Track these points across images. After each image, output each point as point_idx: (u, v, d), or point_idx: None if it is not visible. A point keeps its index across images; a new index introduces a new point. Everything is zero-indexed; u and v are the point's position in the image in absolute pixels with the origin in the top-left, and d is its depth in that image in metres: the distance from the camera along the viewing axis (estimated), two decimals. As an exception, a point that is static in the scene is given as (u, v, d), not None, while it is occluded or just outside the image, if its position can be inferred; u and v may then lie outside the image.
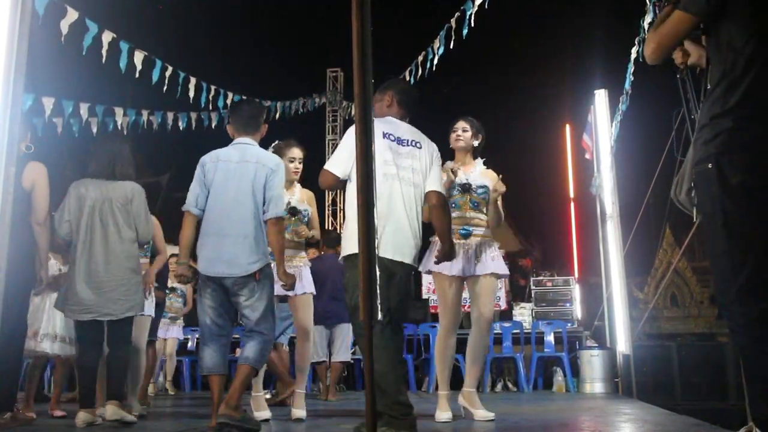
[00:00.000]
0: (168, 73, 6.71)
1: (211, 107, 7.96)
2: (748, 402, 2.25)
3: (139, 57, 6.19)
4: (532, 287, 8.41)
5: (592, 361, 6.61)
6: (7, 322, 3.59)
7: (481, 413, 3.84)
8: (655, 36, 2.35)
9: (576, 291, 8.45)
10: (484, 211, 4.09)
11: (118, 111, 7.45)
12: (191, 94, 7.20)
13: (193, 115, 8.54)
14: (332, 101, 13.85)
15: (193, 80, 7.21)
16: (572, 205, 11.69)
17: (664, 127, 6.10)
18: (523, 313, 8.24)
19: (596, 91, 7.07)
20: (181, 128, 8.42)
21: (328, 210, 13.99)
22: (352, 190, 3.14)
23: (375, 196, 1.60)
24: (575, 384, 7.00)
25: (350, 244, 3.07)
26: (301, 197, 4.28)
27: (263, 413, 3.96)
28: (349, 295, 3.05)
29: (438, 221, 3.37)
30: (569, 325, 7.79)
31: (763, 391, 2.14)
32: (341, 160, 3.16)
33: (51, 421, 4.28)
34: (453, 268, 3.89)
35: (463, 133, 4.13)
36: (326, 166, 3.21)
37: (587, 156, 7.41)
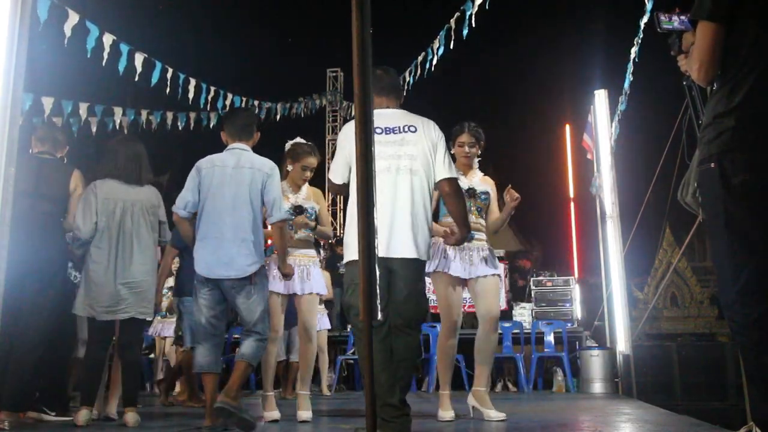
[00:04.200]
0: (169, 75, 6.72)
1: (210, 108, 7.98)
2: (748, 402, 2.25)
3: (139, 59, 6.20)
4: (532, 287, 8.41)
5: (592, 361, 6.61)
6: (30, 324, 3.70)
7: (493, 413, 3.81)
8: (692, 58, 2.31)
9: (576, 291, 8.44)
10: (484, 217, 4.14)
11: (117, 111, 7.46)
12: (191, 95, 7.21)
13: (192, 116, 8.54)
14: (332, 101, 13.83)
15: (192, 81, 7.22)
16: (572, 205, 11.71)
17: (664, 127, 6.11)
18: (523, 313, 8.23)
19: (596, 91, 7.07)
20: (180, 128, 8.43)
21: (328, 211, 14.01)
22: (351, 196, 3.09)
23: (375, 196, 1.59)
24: (575, 384, 7.00)
25: (351, 251, 2.99)
26: (307, 194, 4.22)
27: (273, 413, 3.97)
28: (348, 293, 3.02)
29: (453, 208, 3.27)
30: (569, 325, 7.79)
31: (763, 391, 2.14)
32: (336, 167, 3.18)
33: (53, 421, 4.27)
34: (454, 268, 3.89)
35: (470, 149, 4.12)
36: (328, 175, 3.23)
37: (589, 156, 7.41)
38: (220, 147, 3.71)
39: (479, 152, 4.18)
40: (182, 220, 3.62)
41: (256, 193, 3.55)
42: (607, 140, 6.85)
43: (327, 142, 13.86)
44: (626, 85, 6.18)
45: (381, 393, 2.81)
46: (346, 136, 3.17)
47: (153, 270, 4.02)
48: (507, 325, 7.59)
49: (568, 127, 11.66)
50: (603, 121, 6.90)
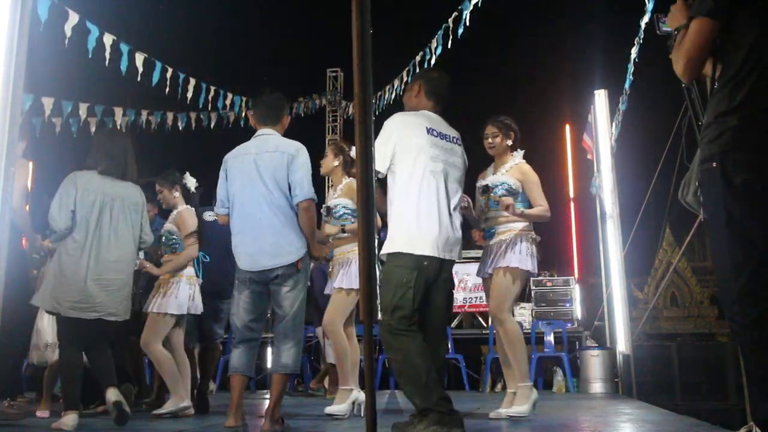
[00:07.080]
0: (169, 75, 6.72)
1: (210, 108, 7.98)
2: (748, 402, 2.25)
3: (139, 59, 6.20)
4: (532, 287, 8.38)
5: (592, 361, 6.61)
6: (6, 313, 3.65)
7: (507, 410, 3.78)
8: (681, 53, 2.29)
9: (576, 291, 8.43)
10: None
11: (117, 111, 7.46)
12: (190, 94, 7.21)
13: (193, 116, 8.55)
14: (332, 101, 13.84)
15: (192, 81, 7.22)
16: (572, 205, 11.69)
17: (664, 127, 6.12)
18: (523, 313, 8.22)
19: (596, 91, 7.07)
20: (180, 128, 8.44)
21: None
22: (397, 188, 3.07)
23: (374, 197, 1.59)
24: (575, 384, 6.99)
25: (395, 243, 3.01)
26: (345, 190, 4.27)
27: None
28: (392, 293, 2.95)
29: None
30: (569, 325, 7.78)
31: (763, 391, 2.14)
32: (381, 156, 3.07)
33: (43, 421, 4.25)
34: (481, 271, 3.97)
35: (493, 139, 4.06)
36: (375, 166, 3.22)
37: (589, 156, 7.42)
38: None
39: (510, 142, 4.06)
40: (225, 218, 3.47)
41: (283, 177, 3.37)
42: (607, 140, 6.85)
43: (327, 142, 13.86)
44: (627, 85, 6.17)
45: (435, 389, 2.84)
46: (405, 124, 3.13)
47: (129, 269, 3.77)
48: (507, 325, 7.58)
49: (568, 127, 11.64)
50: (603, 121, 6.90)
